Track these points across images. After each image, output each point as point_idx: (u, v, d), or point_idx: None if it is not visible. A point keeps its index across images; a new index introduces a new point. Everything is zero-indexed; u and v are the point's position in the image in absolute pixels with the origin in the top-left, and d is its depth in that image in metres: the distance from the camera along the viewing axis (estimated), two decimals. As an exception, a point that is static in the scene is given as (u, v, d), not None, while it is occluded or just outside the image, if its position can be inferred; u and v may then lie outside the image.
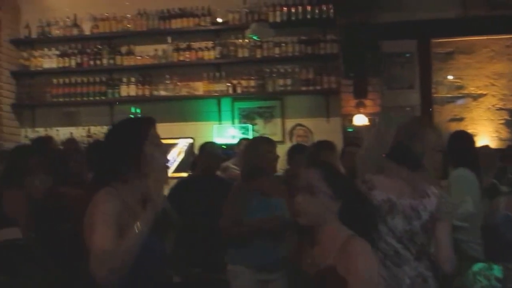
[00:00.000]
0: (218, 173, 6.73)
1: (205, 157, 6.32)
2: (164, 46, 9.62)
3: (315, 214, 2.79)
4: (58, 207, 5.64)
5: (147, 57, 9.66)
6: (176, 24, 9.60)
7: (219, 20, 9.57)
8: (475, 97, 9.60)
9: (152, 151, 2.80)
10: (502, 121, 9.42)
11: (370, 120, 8.75)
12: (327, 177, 2.84)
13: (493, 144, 8.58)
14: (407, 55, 9.39)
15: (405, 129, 3.66)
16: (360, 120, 8.81)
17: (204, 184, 6.14)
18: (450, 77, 9.70)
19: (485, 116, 9.47)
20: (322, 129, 8.99)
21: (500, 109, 9.45)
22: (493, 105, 9.52)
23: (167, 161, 2.95)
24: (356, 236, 2.74)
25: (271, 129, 9.30)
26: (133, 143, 2.81)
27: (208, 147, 6.49)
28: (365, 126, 8.73)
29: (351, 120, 8.84)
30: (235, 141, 8.56)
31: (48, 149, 6.46)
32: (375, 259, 2.81)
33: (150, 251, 2.74)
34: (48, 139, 7.30)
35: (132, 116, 3.09)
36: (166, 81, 9.56)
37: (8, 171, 5.42)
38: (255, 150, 5.18)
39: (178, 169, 8.85)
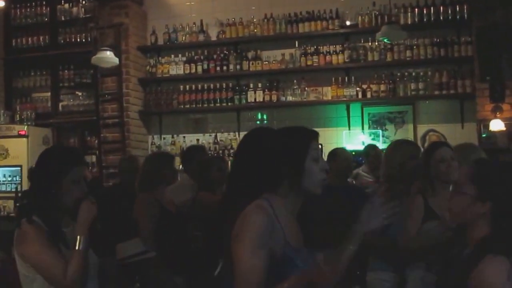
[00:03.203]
0: (350, 180, 6.88)
1: (337, 163, 6.37)
2: (292, 51, 9.91)
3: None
4: (199, 214, 6.04)
5: (274, 62, 9.95)
6: (304, 28, 9.85)
7: (348, 23, 9.77)
8: None
9: (310, 166, 2.86)
10: None
11: (507, 125, 8.76)
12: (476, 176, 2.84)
13: None
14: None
15: None
16: (496, 125, 8.78)
17: (338, 192, 6.30)
18: None
19: None
20: (456, 135, 8.99)
21: None
22: None
23: (324, 176, 2.94)
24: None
25: (402, 135, 9.35)
26: (296, 157, 2.85)
27: (340, 153, 6.59)
28: (501, 132, 8.74)
29: (487, 126, 8.84)
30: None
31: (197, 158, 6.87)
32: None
33: (298, 270, 2.76)
34: (200, 148, 7.67)
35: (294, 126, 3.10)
36: (294, 87, 9.81)
37: (143, 178, 5.84)
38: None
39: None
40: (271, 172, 2.90)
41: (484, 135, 8.88)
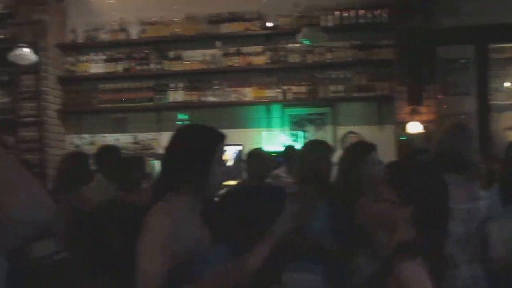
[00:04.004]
0: (268, 181, 6.93)
1: (255, 164, 6.42)
2: (213, 51, 9.94)
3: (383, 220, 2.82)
4: (117, 216, 6.00)
5: (196, 62, 9.96)
6: (226, 28, 9.90)
7: (270, 24, 9.84)
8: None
9: (214, 168, 2.90)
10: (562, 130, 9.56)
11: (425, 128, 8.97)
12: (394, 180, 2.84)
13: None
14: (464, 61, 9.56)
15: (449, 136, 4.03)
16: (414, 127, 9.00)
17: (256, 192, 6.33)
18: (508, 84, 9.83)
19: (544, 124, 9.62)
20: (375, 137, 9.07)
21: (560, 117, 9.60)
22: (553, 113, 9.67)
23: (224, 180, 3.03)
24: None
25: (322, 136, 9.30)
26: (202, 157, 2.90)
27: (258, 153, 6.64)
28: (419, 134, 8.95)
29: (405, 128, 9.05)
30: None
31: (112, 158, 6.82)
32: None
33: (210, 266, 2.83)
34: (115, 148, 7.61)
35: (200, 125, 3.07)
36: (215, 87, 9.87)
37: (59, 178, 5.78)
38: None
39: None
40: (175, 171, 2.93)
41: (401, 138, 9.08)
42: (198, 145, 2.92)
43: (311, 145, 5.74)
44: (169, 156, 3.00)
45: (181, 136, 3.04)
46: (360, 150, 5.24)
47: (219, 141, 2.97)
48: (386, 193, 2.76)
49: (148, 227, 2.74)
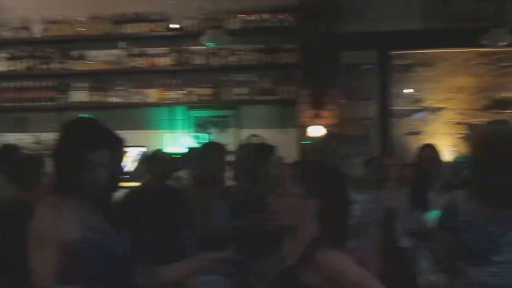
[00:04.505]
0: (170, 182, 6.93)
1: (156, 165, 6.47)
2: (117, 52, 9.86)
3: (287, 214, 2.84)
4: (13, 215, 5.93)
5: (99, 62, 9.86)
6: (130, 29, 9.83)
7: (174, 26, 9.82)
8: (434, 111, 9.98)
9: (98, 169, 2.96)
10: (460, 136, 9.81)
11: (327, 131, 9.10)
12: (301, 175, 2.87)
13: (451, 158, 8.94)
14: (367, 66, 9.75)
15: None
16: (316, 131, 9.13)
17: (157, 194, 6.33)
18: (409, 90, 10.06)
19: (442, 130, 9.81)
20: (278, 140, 9.15)
21: (459, 123, 9.84)
22: (451, 119, 9.89)
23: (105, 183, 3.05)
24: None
25: (226, 139, 9.39)
26: (77, 158, 2.95)
27: (158, 155, 6.69)
28: (321, 138, 9.07)
29: (307, 132, 9.15)
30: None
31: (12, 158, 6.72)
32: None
33: (109, 252, 2.94)
34: (15, 147, 7.48)
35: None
36: (119, 88, 9.81)
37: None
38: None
39: (130, 178, 9.06)
40: (58, 169, 3.02)
41: (304, 142, 9.18)
42: (72, 145, 3.00)
43: (207, 147, 5.80)
44: (54, 154, 3.08)
45: (63, 135, 3.10)
46: (260, 152, 5.34)
47: (96, 143, 3.00)
48: (293, 188, 2.79)
49: (34, 219, 2.84)
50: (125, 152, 3.44)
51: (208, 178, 5.37)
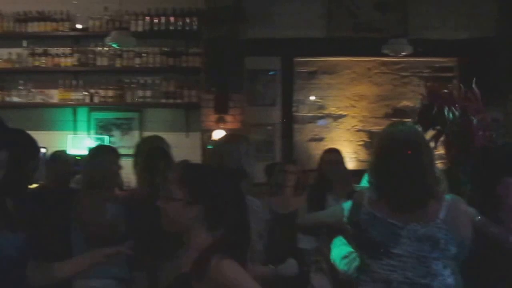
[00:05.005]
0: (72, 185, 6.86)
1: (57, 167, 6.38)
2: (19, 50, 9.74)
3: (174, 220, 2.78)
4: None
5: (1, 61, 9.71)
6: (33, 27, 9.70)
7: (79, 26, 9.76)
8: (336, 118, 10.13)
9: None
10: (361, 143, 10.02)
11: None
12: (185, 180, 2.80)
13: (351, 165, 9.11)
14: (271, 72, 9.88)
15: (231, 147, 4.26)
16: (219, 135, 9.16)
17: (54, 196, 6.24)
18: (312, 97, 10.20)
19: (344, 136, 10.00)
20: (182, 144, 9.22)
21: (360, 130, 10.04)
22: (352, 126, 10.09)
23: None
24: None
25: (129, 142, 9.43)
26: None
27: (60, 156, 6.59)
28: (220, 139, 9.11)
29: (211, 136, 9.20)
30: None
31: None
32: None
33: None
34: None
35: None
36: (20, 87, 9.68)
37: None
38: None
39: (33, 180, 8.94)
40: None
41: (208, 146, 9.20)
42: None
43: (96, 151, 5.77)
44: None
45: None
46: (155, 155, 5.36)
47: None
48: (177, 193, 2.73)
49: None
50: (34, 153, 3.37)
51: (98, 181, 5.34)
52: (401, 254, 3.21)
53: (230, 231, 2.74)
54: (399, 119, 9.29)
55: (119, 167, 5.51)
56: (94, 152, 5.68)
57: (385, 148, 3.39)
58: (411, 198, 3.25)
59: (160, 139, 6.27)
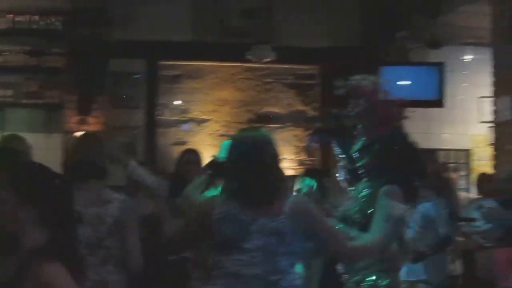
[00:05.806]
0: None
1: None
2: None
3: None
4: None
5: None
6: None
7: None
8: (199, 122, 10.28)
9: None
10: (224, 147, 10.18)
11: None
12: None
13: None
14: (135, 75, 9.91)
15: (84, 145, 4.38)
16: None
17: None
18: (176, 101, 10.32)
19: (208, 141, 10.09)
20: (42, 145, 9.14)
21: (222, 135, 10.18)
22: (216, 131, 10.27)
23: None
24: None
25: (-13, 141, 9.30)
26: None
27: None
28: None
29: (72, 137, 9.13)
30: None
31: None
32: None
33: None
34: None
35: None
36: None
37: None
38: None
39: None
40: None
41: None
42: None
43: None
44: None
45: None
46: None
47: None
48: (6, 194, 2.65)
49: None
50: None
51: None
52: (250, 248, 3.34)
53: (59, 233, 2.68)
54: (261, 125, 9.51)
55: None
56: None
57: (235, 152, 3.57)
58: (258, 194, 3.43)
59: (19, 138, 6.19)
